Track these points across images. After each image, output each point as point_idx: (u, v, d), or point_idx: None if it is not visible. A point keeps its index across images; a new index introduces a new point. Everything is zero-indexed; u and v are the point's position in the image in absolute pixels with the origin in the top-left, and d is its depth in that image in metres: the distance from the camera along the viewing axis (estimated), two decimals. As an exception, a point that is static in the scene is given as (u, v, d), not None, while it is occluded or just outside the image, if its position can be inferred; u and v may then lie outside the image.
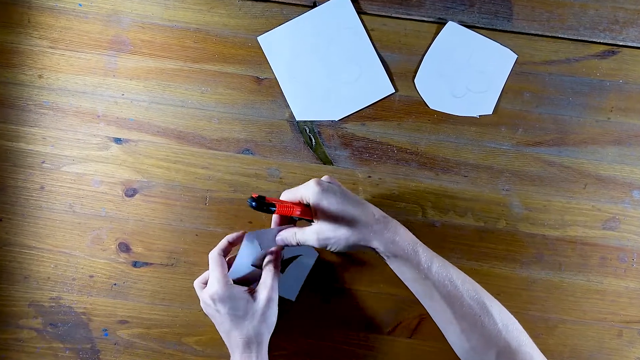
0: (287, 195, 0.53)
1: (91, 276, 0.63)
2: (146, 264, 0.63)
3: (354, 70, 0.62)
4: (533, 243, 0.62)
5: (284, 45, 0.62)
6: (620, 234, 0.62)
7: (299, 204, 0.52)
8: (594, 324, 0.62)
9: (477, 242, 0.63)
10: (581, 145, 0.62)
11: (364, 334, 0.63)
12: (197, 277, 0.58)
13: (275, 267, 0.57)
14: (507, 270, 0.62)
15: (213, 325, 0.62)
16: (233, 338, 0.54)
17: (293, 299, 0.62)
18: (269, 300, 0.55)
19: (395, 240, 0.51)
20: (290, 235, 0.54)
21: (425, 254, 0.51)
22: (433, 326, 0.62)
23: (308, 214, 0.52)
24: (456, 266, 0.60)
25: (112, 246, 0.63)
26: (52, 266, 0.63)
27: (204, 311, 0.56)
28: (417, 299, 0.62)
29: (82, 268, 0.63)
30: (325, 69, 0.62)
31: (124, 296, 0.63)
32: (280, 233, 0.54)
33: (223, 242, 0.57)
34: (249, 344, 0.54)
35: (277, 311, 0.55)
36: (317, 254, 0.62)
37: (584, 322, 0.62)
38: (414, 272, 0.51)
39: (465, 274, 0.53)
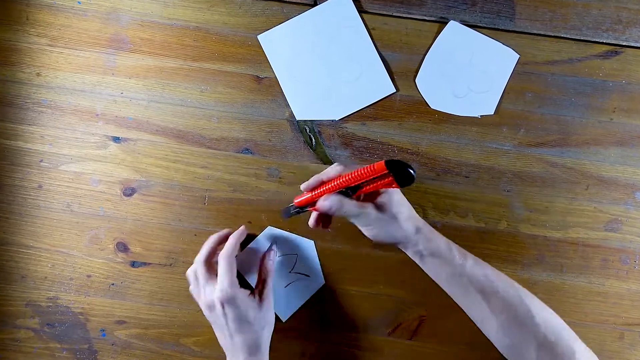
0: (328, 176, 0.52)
1: (89, 276, 0.62)
2: (144, 264, 0.62)
3: (354, 70, 0.62)
4: (534, 244, 0.62)
5: (284, 44, 0.62)
6: (622, 235, 0.62)
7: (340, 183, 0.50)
8: (595, 326, 0.62)
9: (478, 243, 0.62)
10: (583, 146, 0.62)
11: (363, 335, 0.62)
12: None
13: (272, 267, 0.58)
14: (508, 271, 0.62)
15: (211, 326, 0.62)
16: (237, 342, 0.54)
17: (284, 320, 0.62)
18: (271, 304, 0.56)
19: (432, 239, 0.52)
20: (337, 202, 0.50)
21: (459, 251, 0.52)
22: (433, 328, 0.62)
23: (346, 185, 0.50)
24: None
25: (110, 246, 0.62)
26: (49, 266, 0.62)
27: (206, 312, 0.55)
28: (417, 300, 0.62)
29: (79, 268, 0.62)
30: (326, 68, 0.62)
31: (121, 296, 0.62)
32: (328, 197, 0.51)
33: (233, 244, 0.56)
34: (254, 348, 0.54)
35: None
36: (324, 282, 0.62)
37: (585, 324, 0.62)
38: (450, 269, 0.52)
39: (499, 271, 0.53)
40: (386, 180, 0.48)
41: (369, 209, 0.51)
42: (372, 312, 0.62)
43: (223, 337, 0.55)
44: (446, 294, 0.62)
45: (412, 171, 0.46)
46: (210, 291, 0.54)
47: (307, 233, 0.62)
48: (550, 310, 0.51)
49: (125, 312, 0.62)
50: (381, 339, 0.62)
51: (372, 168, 0.48)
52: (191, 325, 0.62)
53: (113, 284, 0.62)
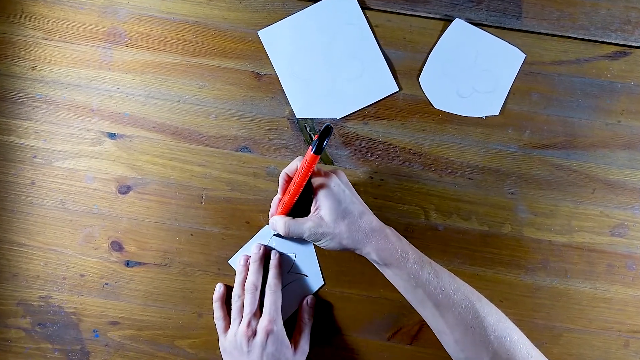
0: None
1: (82, 275, 0.61)
2: (139, 263, 0.61)
3: (356, 68, 0.61)
4: (539, 249, 0.60)
5: (285, 41, 0.60)
6: (628, 240, 0.60)
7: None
8: (600, 333, 0.60)
9: (481, 246, 0.61)
10: (590, 149, 0.61)
11: (362, 339, 0.61)
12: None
13: (311, 318, 0.59)
14: (512, 276, 0.60)
15: (206, 328, 0.61)
16: None
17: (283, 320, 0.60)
18: (304, 357, 0.56)
19: (386, 248, 0.50)
20: (281, 222, 0.53)
21: (416, 262, 0.50)
22: (434, 333, 0.61)
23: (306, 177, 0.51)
24: (459, 271, 0.59)
25: (105, 245, 0.61)
26: (42, 264, 0.61)
27: (234, 338, 0.54)
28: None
29: (72, 267, 0.61)
30: (328, 65, 0.61)
31: (115, 296, 0.61)
32: (273, 217, 0.55)
33: (277, 273, 0.57)
34: None
35: None
36: (323, 282, 0.60)
37: (589, 331, 0.60)
38: (405, 281, 0.51)
39: (461, 282, 0.51)
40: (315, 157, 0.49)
41: (309, 222, 0.52)
42: (371, 315, 0.61)
43: None
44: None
45: (328, 126, 0.47)
46: (253, 322, 0.54)
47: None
48: (508, 324, 0.50)
49: (119, 313, 0.61)
50: (380, 343, 0.61)
51: (305, 159, 0.50)
52: (186, 327, 0.61)
53: (107, 284, 0.61)
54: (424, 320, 0.60)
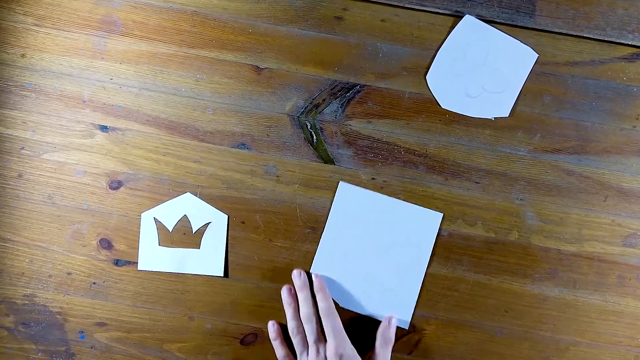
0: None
1: (69, 273, 0.58)
2: (129, 262, 0.58)
3: (393, 281, 0.58)
4: (547, 258, 0.58)
5: (355, 205, 0.58)
6: (641, 251, 0.58)
7: None
8: (608, 347, 0.58)
9: (486, 253, 0.58)
10: (603, 155, 0.58)
11: (359, 348, 0.58)
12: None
13: (391, 341, 0.56)
14: (518, 285, 0.58)
15: (197, 332, 0.58)
16: None
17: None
18: None
19: None
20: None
21: None
22: (435, 344, 0.58)
23: None
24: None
25: (93, 242, 0.58)
26: (27, 261, 0.58)
27: None
28: (419, 313, 0.58)
29: (59, 264, 0.58)
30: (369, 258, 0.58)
31: (103, 296, 0.58)
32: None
33: (325, 296, 0.56)
34: None
35: None
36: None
37: (597, 345, 0.58)
38: None
39: None
40: None
41: None
42: (369, 323, 0.58)
43: None
44: (452, 307, 0.58)
45: None
46: (321, 348, 0.53)
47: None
48: None
49: (107, 314, 0.58)
50: (379, 352, 0.58)
51: None
52: (176, 331, 0.58)
53: (94, 283, 0.58)
54: (426, 330, 0.58)
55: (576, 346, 0.58)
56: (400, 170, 0.58)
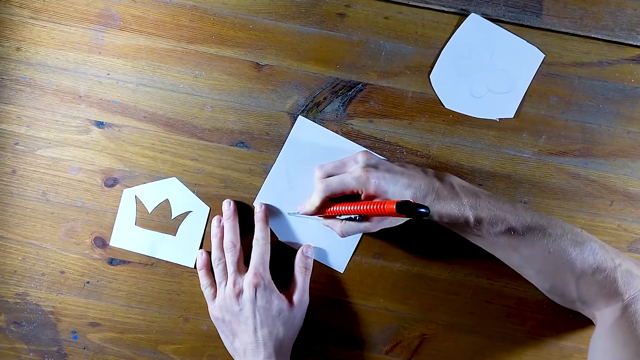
0: (328, 186, 0.51)
1: (62, 272, 0.57)
2: (123, 262, 0.57)
3: None
4: (551, 262, 0.57)
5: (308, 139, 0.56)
6: (647, 257, 0.56)
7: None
8: (612, 355, 0.56)
9: (489, 257, 0.57)
10: (610, 158, 0.57)
11: (358, 352, 0.57)
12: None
13: (308, 269, 0.55)
14: (520, 290, 0.57)
15: (193, 334, 0.57)
16: (261, 337, 0.50)
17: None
18: (303, 310, 0.54)
19: (443, 213, 0.48)
20: (350, 229, 0.51)
21: (473, 214, 0.48)
22: (436, 349, 0.57)
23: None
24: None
25: (87, 240, 0.57)
26: (19, 259, 0.57)
27: (223, 301, 0.52)
28: (419, 317, 0.57)
29: (52, 262, 0.57)
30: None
31: (97, 296, 0.57)
32: (341, 226, 0.51)
33: (263, 226, 0.55)
34: (278, 347, 0.50)
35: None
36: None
37: (601, 352, 0.56)
38: (468, 235, 0.51)
39: (521, 206, 0.49)
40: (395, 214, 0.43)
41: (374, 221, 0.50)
42: (369, 327, 0.57)
43: (243, 331, 0.51)
44: (453, 311, 0.57)
45: (424, 210, 0.41)
46: (238, 279, 0.51)
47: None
48: (584, 235, 0.48)
49: (100, 314, 0.57)
50: (378, 356, 0.57)
51: (381, 208, 0.44)
52: (171, 332, 0.57)
53: (88, 282, 0.57)
54: (426, 334, 0.57)
55: (580, 353, 0.56)
56: (402, 171, 0.57)
